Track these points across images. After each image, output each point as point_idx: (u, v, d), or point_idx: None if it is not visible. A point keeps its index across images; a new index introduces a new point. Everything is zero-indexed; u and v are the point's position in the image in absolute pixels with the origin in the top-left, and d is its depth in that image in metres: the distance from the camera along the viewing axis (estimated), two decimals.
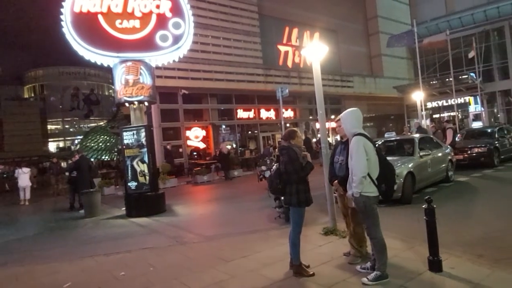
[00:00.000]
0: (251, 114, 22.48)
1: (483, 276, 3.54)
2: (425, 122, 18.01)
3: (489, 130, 13.42)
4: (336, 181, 4.39)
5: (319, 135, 24.01)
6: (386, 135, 11.26)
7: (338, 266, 4.18)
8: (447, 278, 3.57)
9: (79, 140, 29.90)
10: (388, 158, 7.88)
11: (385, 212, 6.35)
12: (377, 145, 3.92)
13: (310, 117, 25.67)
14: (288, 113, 24.09)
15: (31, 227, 9.00)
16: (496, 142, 11.92)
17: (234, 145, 21.55)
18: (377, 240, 3.68)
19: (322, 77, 5.89)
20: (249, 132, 23.40)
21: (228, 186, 14.06)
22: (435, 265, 3.72)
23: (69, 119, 52.15)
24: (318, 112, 5.74)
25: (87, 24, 9.06)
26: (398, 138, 10.30)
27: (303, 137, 21.09)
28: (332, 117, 24.04)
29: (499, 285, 3.35)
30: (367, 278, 3.61)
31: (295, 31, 23.62)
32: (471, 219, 6.01)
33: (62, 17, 8.94)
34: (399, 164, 7.57)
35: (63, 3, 8.91)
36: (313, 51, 5.77)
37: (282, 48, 23.30)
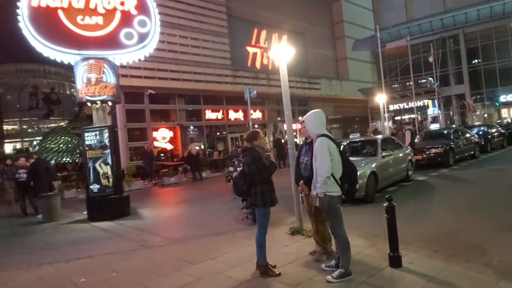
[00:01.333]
0: (219, 115, 22.35)
1: (438, 270, 3.73)
2: (387, 124, 18.75)
3: (445, 132, 14.22)
4: (301, 181, 4.47)
5: (286, 136, 24.36)
6: (351, 136, 11.61)
7: (304, 265, 4.24)
8: (405, 273, 3.73)
9: (38, 141, 28.42)
10: (353, 158, 8.16)
11: (349, 211, 6.55)
12: (342, 146, 4.04)
13: (278, 118, 25.93)
14: (257, 114, 24.20)
15: None
16: (451, 143, 12.63)
17: (202, 146, 21.33)
18: (341, 239, 3.78)
19: (290, 79, 5.98)
20: (218, 133, 23.26)
21: (196, 187, 13.90)
22: (395, 261, 3.88)
23: (27, 119, 49.31)
24: (285, 113, 5.82)
25: (46, 20, 8.63)
26: (362, 139, 10.64)
27: (273, 138, 21.38)
28: (300, 118, 24.41)
29: (453, 277, 3.55)
30: (332, 276, 3.70)
31: (263, 33, 23.78)
32: (428, 216, 6.32)
33: (18, 11, 8.45)
34: (362, 164, 7.83)
35: None
36: (280, 53, 5.83)
37: (251, 50, 23.37)
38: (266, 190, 3.97)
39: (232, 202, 8.19)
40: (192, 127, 21.35)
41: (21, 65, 48.64)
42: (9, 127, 48.72)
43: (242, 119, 23.22)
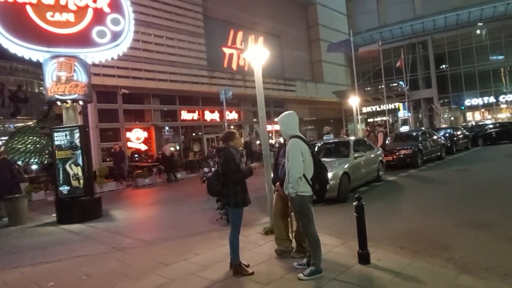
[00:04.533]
0: (195, 115, 22.19)
1: (404, 265, 3.90)
2: (360, 126, 19.27)
3: (414, 134, 14.77)
4: (278, 183, 4.56)
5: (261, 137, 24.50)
6: (324, 138, 11.86)
7: (276, 264, 4.32)
8: (374, 269, 3.88)
9: (3, 141, 27.16)
10: (326, 159, 8.40)
11: (321, 211, 6.72)
12: (316, 147, 4.14)
13: (254, 120, 26.04)
14: (233, 115, 24.23)
15: None
16: (419, 145, 13.15)
17: (178, 147, 21.11)
18: (312, 237, 3.88)
19: (266, 81, 6.06)
20: (193, 134, 23.09)
21: (170, 188, 13.75)
22: (363, 257, 4.02)
23: None
24: (259, 114, 5.88)
25: (14, 15, 8.32)
26: (335, 140, 10.89)
27: (244, 140, 21.39)
28: (275, 119, 24.67)
29: (417, 272, 3.72)
30: (303, 274, 3.79)
31: (240, 34, 23.84)
32: (397, 215, 6.57)
33: None
34: (336, 165, 8.02)
35: None
36: (255, 55, 5.89)
37: (227, 51, 23.37)
38: (239, 191, 4.01)
39: (207, 203, 8.20)
40: (167, 128, 21.09)
41: None
42: None
43: (218, 120, 23.18)
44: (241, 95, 22.69)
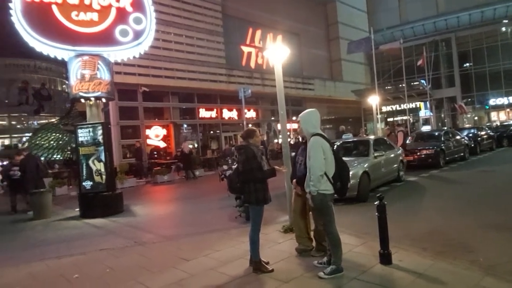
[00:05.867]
0: (213, 113, 22.35)
1: (427, 267, 3.83)
2: (380, 125, 18.95)
3: (436, 134, 14.44)
4: (294, 180, 4.55)
5: (280, 136, 24.46)
6: (343, 137, 11.74)
7: (296, 262, 4.31)
8: (395, 270, 3.82)
9: (27, 137, 28.09)
10: (345, 158, 8.26)
11: (342, 210, 6.66)
12: (335, 146, 4.11)
13: (272, 118, 26.02)
14: (251, 114, 24.26)
15: None
16: (442, 145, 12.83)
17: (196, 145, 21.32)
18: (332, 236, 3.85)
19: (284, 79, 6.03)
20: (211, 132, 23.27)
21: (189, 186, 13.90)
22: (385, 258, 3.97)
23: (16, 114, 48.49)
24: (279, 112, 5.87)
25: (40, 14, 8.56)
26: (354, 139, 10.76)
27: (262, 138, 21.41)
28: (294, 118, 24.57)
29: (440, 274, 3.64)
30: (323, 272, 3.77)
31: (258, 33, 23.83)
32: (418, 215, 6.44)
33: (11, 5, 8.36)
34: (355, 164, 7.93)
35: None
36: (275, 53, 5.89)
37: (246, 49, 23.42)
38: (260, 188, 4.02)
39: (225, 200, 8.26)
40: (185, 126, 21.34)
41: (10, 59, 47.82)
42: None
43: (236, 118, 23.27)
44: (259, 94, 22.68)
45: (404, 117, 28.03)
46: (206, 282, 3.90)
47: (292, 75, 24.71)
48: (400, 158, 10.20)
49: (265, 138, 22.75)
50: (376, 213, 4.00)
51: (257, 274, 3.96)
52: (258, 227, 4.07)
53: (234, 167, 6.57)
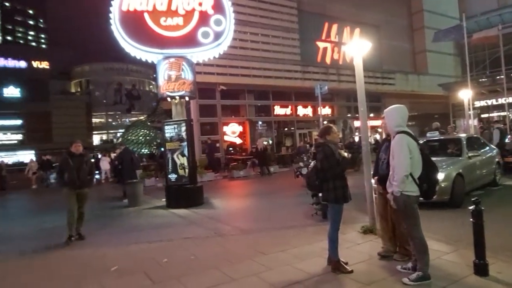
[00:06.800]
0: (288, 110, 22.44)
1: None
2: (473, 122, 17.02)
3: None
4: (376, 178, 4.36)
5: (357, 133, 23.53)
6: (428, 135, 10.82)
7: (377, 265, 4.13)
8: (493, 282, 3.43)
9: (120, 133, 31.40)
10: (433, 158, 7.62)
11: (430, 215, 6.13)
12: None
13: (348, 115, 25.18)
14: (326, 110, 23.78)
15: None
16: None
17: (271, 141, 21.63)
18: (418, 240, 3.60)
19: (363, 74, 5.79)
20: (286, 129, 23.38)
21: (264, 181, 14.18)
22: (481, 268, 3.58)
23: (112, 113, 54.78)
24: (359, 109, 5.65)
25: (134, 22, 9.46)
26: (442, 138, 9.85)
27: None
28: (371, 115, 23.44)
29: None
30: (408, 278, 3.55)
31: (334, 27, 23.20)
32: None
33: (110, 15, 9.40)
34: (445, 166, 7.22)
35: (112, 2, 9.38)
36: (355, 47, 5.68)
37: (321, 45, 22.99)
38: (339, 186, 3.93)
39: (301, 197, 8.24)
40: (260, 122, 21.77)
41: (107, 64, 54.16)
42: (97, 120, 54.63)
43: (311, 115, 23.03)
44: (334, 90, 22.13)
45: (502, 113, 24.78)
46: (284, 277, 3.94)
47: (370, 70, 23.55)
48: (497, 159, 9.07)
49: (340, 136, 22.13)
50: (471, 219, 3.63)
51: (336, 274, 3.89)
52: (337, 226, 3.99)
53: (311, 164, 6.53)
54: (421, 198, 3.69)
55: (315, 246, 4.89)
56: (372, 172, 4.83)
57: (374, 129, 24.31)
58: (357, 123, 24.24)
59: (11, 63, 47.51)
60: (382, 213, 4.50)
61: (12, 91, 46.28)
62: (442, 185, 6.49)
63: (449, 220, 6.07)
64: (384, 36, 26.30)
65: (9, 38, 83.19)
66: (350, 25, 23.57)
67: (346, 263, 4.02)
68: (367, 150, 5.51)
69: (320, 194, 4.36)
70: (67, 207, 6.29)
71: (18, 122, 45.98)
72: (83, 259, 5.29)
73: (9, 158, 38.40)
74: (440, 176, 6.42)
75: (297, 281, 3.80)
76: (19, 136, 46.42)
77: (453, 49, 30.51)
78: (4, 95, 45.58)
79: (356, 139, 19.86)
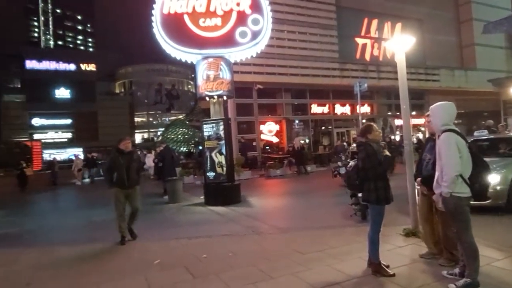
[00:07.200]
0: (325, 109, 22.11)
1: None
2: None
3: None
4: (419, 179, 4.19)
5: (397, 132, 22.68)
6: (475, 134, 10.17)
7: (420, 269, 3.96)
8: None
9: (161, 132, 32.56)
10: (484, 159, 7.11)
11: (481, 220, 5.74)
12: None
13: (389, 113, 24.34)
14: (365, 109, 23.16)
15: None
16: None
17: (308, 140, 21.43)
18: (468, 245, 3.40)
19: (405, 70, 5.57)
20: (323, 128, 23.05)
21: (301, 181, 14.08)
22: None
23: (152, 112, 57.01)
24: (401, 107, 5.44)
25: (174, 24, 9.77)
26: (492, 137, 9.22)
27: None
28: (413, 113, 22.47)
29: None
30: (455, 285, 3.37)
31: (374, 22, 22.52)
32: None
33: (152, 18, 9.77)
34: (498, 168, 6.73)
35: (154, 6, 9.74)
36: (397, 43, 5.48)
37: (360, 41, 22.41)
38: (381, 187, 3.82)
39: (338, 197, 8.10)
40: (297, 121, 21.63)
41: (149, 65, 56.42)
42: (139, 119, 57.06)
43: (349, 113, 22.54)
44: (374, 87, 21.47)
45: None
46: (323, 278, 3.90)
47: (412, 66, 22.63)
48: None
49: (380, 135, 21.48)
50: None
51: (377, 277, 3.78)
52: (378, 228, 3.88)
53: (350, 164, 6.41)
54: (473, 201, 3.48)
55: (354, 247, 4.78)
56: (414, 173, 4.63)
57: (416, 127, 23.31)
58: (398, 122, 23.36)
59: (62, 66, 50.84)
60: (426, 216, 4.32)
61: (62, 92, 49.52)
62: (498, 189, 6.08)
63: (503, 225, 5.69)
64: (427, 30, 25.08)
65: (60, 42, 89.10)
66: (391, 19, 22.76)
67: (388, 266, 3.90)
68: (410, 149, 5.30)
69: (360, 194, 4.26)
70: (116, 211, 5.99)
71: (68, 121, 49.13)
72: (128, 252, 5.54)
73: (60, 155, 41.11)
74: (496, 178, 6.05)
75: (336, 282, 3.74)
76: (69, 135, 49.57)
77: (505, 42, 28.48)
78: (56, 96, 48.84)
79: (393, 138, 19.14)
